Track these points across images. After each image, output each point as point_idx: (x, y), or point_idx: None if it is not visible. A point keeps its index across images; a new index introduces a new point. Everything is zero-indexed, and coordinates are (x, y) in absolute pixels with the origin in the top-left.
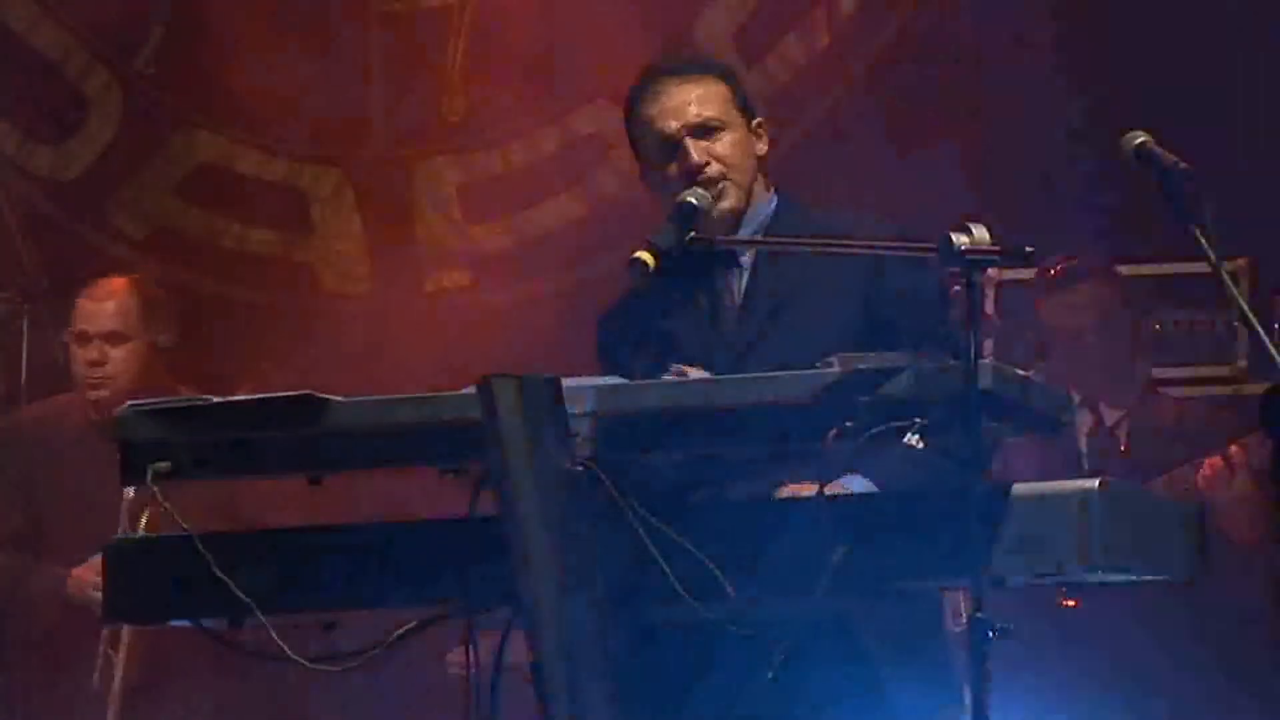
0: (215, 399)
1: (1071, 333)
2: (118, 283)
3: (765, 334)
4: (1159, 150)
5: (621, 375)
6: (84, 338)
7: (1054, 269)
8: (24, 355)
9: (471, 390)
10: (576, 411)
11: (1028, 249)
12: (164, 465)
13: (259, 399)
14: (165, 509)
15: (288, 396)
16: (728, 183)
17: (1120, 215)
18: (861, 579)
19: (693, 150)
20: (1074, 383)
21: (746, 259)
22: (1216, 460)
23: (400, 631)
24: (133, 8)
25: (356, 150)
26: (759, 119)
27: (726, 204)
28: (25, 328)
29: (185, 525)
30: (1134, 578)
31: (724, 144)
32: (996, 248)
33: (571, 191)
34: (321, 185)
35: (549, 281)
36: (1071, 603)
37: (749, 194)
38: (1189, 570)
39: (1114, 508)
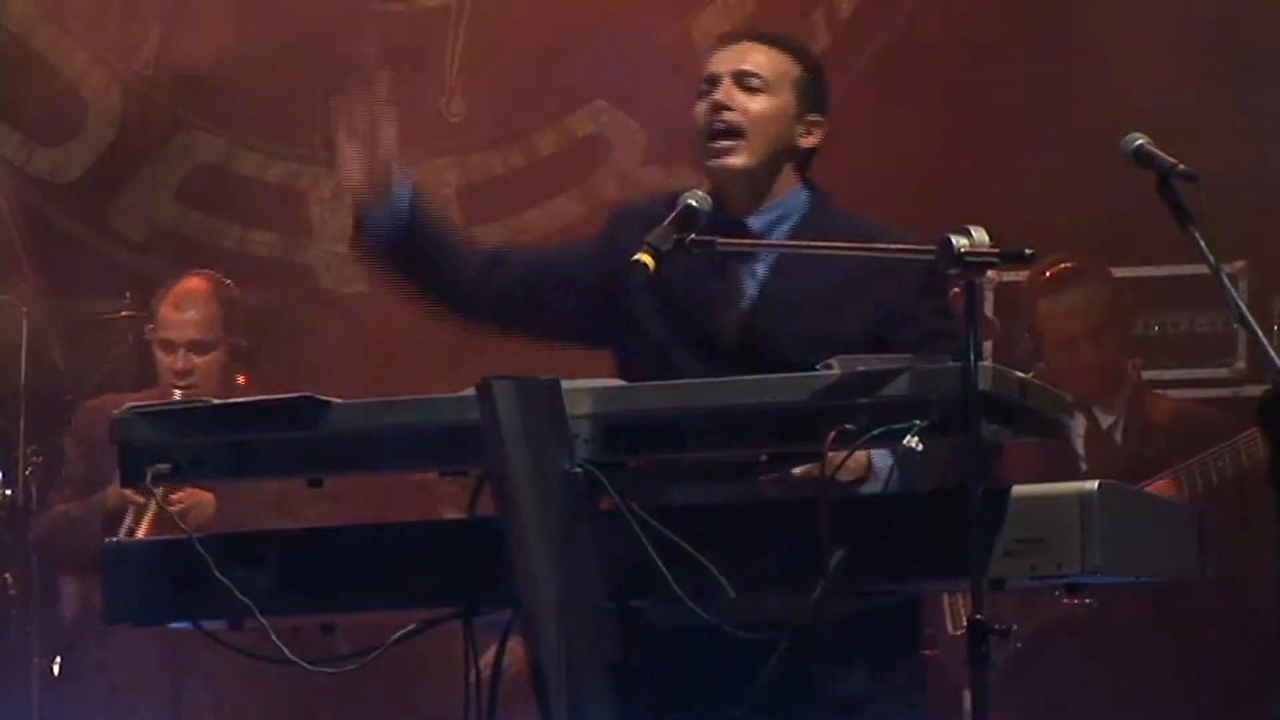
0: (215, 400)
1: (1065, 337)
2: (199, 288)
3: (774, 328)
4: (1158, 152)
5: (602, 260)
6: (169, 346)
7: (1049, 271)
8: (24, 355)
9: (471, 392)
10: (576, 413)
11: (1027, 251)
12: (164, 467)
13: (259, 401)
14: (165, 510)
15: (288, 399)
16: (743, 141)
17: (1120, 216)
18: (862, 580)
19: (722, 90)
20: (1067, 385)
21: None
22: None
23: (400, 634)
24: (132, 8)
25: None
26: (819, 117)
27: (734, 160)
28: (25, 328)
29: (184, 527)
30: (1134, 579)
31: (759, 103)
32: (996, 250)
33: (571, 192)
34: (321, 186)
35: None
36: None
37: (763, 167)
38: (1189, 571)
39: (1114, 508)
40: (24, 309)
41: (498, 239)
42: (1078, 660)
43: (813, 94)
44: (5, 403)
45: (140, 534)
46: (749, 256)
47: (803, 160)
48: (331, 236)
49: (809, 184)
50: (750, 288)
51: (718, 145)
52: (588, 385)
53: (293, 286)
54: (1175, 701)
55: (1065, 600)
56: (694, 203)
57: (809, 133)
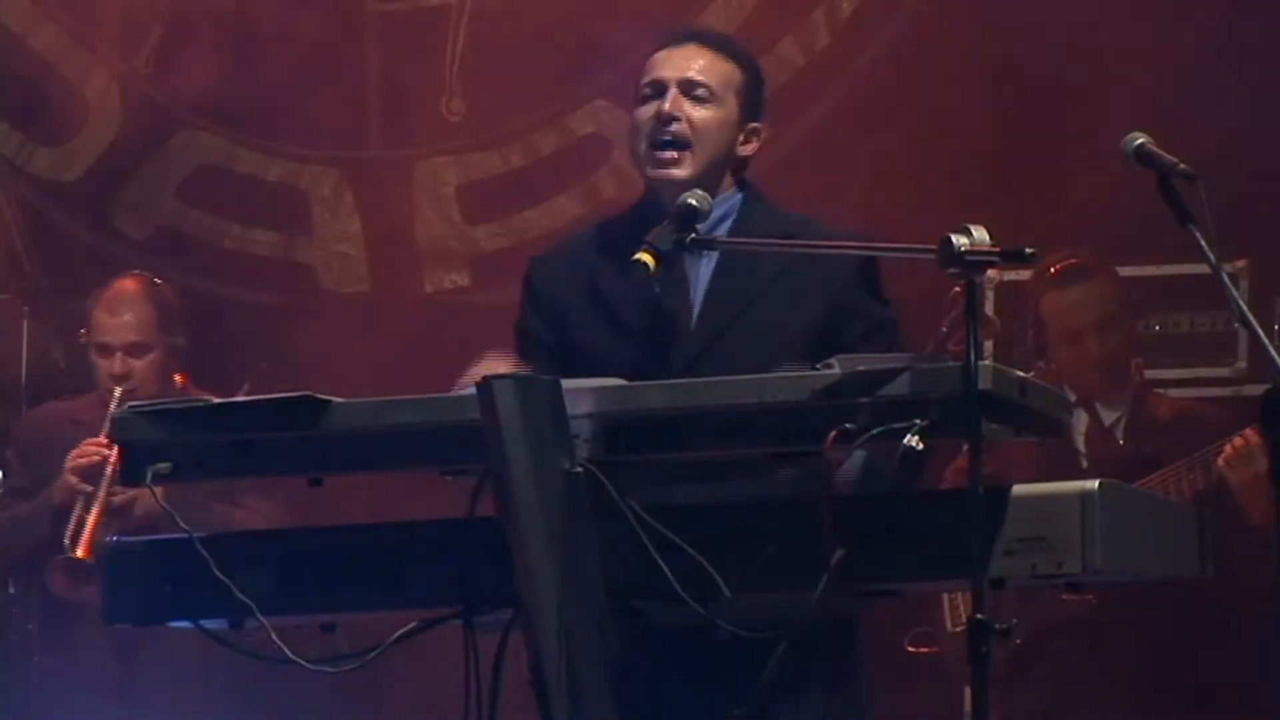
0: (215, 400)
1: (1070, 330)
2: (132, 290)
3: (723, 335)
4: (1159, 151)
5: (547, 327)
6: (106, 350)
7: (1055, 266)
8: (24, 355)
9: (471, 391)
10: (576, 413)
11: (1028, 250)
12: (164, 466)
13: (259, 400)
14: (166, 511)
15: (288, 398)
16: (688, 152)
17: (1120, 216)
18: (862, 580)
19: (670, 100)
20: (1070, 381)
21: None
22: (1238, 441)
23: (400, 633)
24: (132, 8)
25: (356, 150)
26: (757, 124)
27: (679, 171)
28: (25, 328)
29: (185, 527)
30: (1135, 578)
31: (705, 114)
32: (996, 249)
33: (571, 191)
34: (321, 185)
35: None
36: (1074, 596)
37: (707, 174)
38: (1190, 570)
39: (1114, 508)
40: (24, 308)
41: (498, 239)
42: (1077, 659)
43: (754, 101)
44: (5, 402)
45: (90, 522)
46: (695, 258)
47: (740, 166)
48: (332, 236)
49: (742, 185)
50: (698, 289)
51: (663, 155)
52: (588, 385)
53: (293, 286)
54: (1175, 700)
55: (1064, 598)
56: (693, 202)
57: (748, 140)
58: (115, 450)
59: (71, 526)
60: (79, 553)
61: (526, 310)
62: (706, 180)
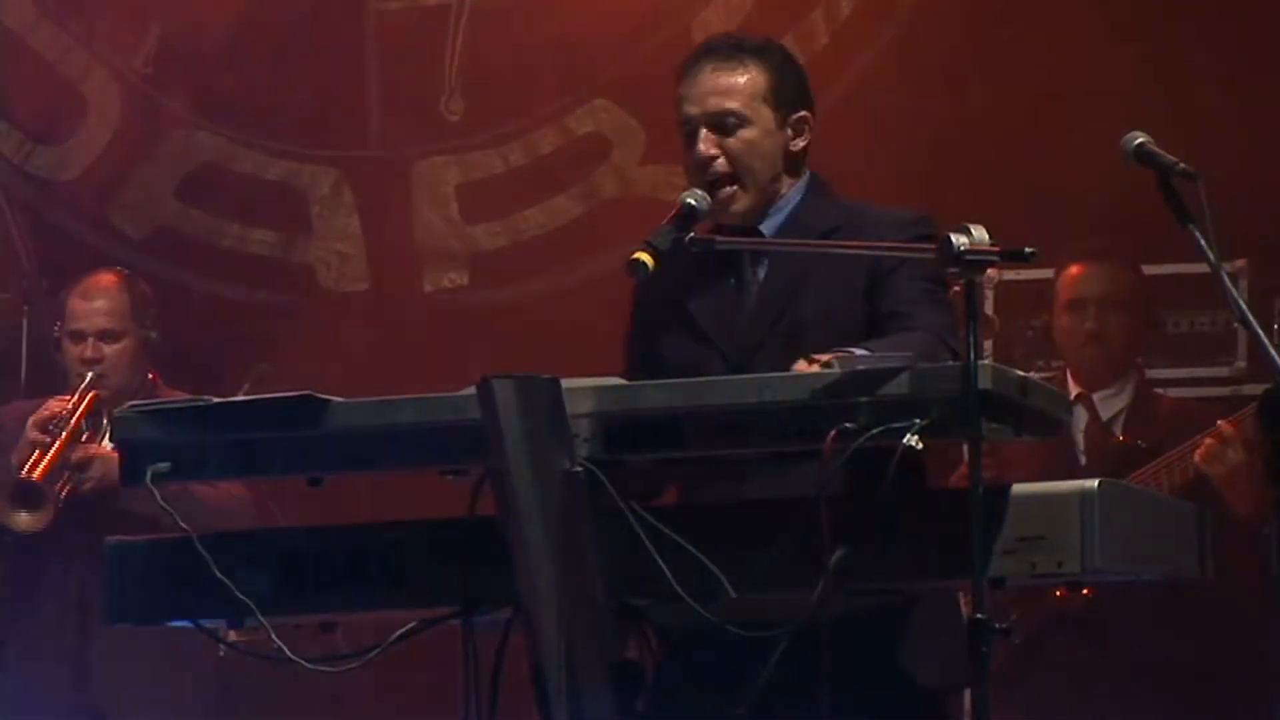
0: (215, 399)
1: (1074, 299)
2: (108, 280)
3: (785, 311)
4: (1159, 150)
5: (642, 344)
6: (78, 336)
7: (1079, 247)
8: (24, 355)
9: (471, 390)
10: (576, 412)
11: (1028, 249)
12: (164, 466)
13: (259, 400)
14: (166, 510)
15: (288, 397)
16: (736, 187)
17: (1120, 216)
18: (862, 579)
19: (702, 142)
20: (1066, 356)
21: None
22: (1212, 437)
23: (400, 632)
24: (132, 8)
25: (355, 150)
26: (802, 113)
27: (737, 207)
28: (25, 328)
29: (184, 526)
30: (1134, 578)
31: (740, 140)
32: (995, 248)
33: (570, 191)
34: (320, 185)
35: (547, 281)
36: (1086, 591)
37: (766, 192)
38: (1189, 570)
39: (1113, 507)
40: (24, 308)
41: (497, 238)
42: (1076, 656)
43: (789, 92)
44: (5, 401)
45: (50, 454)
46: (756, 254)
47: (798, 161)
48: (331, 235)
49: (808, 174)
50: (757, 280)
51: (719, 195)
52: (588, 384)
53: (292, 286)
54: (1174, 697)
55: (1059, 595)
56: (693, 201)
57: (797, 134)
58: (81, 405)
59: (31, 460)
60: (34, 475)
61: (631, 332)
62: (768, 194)
